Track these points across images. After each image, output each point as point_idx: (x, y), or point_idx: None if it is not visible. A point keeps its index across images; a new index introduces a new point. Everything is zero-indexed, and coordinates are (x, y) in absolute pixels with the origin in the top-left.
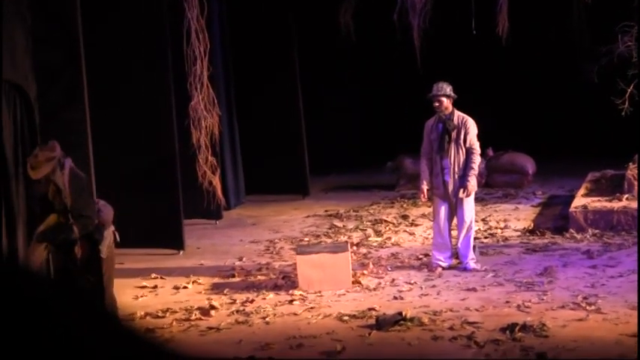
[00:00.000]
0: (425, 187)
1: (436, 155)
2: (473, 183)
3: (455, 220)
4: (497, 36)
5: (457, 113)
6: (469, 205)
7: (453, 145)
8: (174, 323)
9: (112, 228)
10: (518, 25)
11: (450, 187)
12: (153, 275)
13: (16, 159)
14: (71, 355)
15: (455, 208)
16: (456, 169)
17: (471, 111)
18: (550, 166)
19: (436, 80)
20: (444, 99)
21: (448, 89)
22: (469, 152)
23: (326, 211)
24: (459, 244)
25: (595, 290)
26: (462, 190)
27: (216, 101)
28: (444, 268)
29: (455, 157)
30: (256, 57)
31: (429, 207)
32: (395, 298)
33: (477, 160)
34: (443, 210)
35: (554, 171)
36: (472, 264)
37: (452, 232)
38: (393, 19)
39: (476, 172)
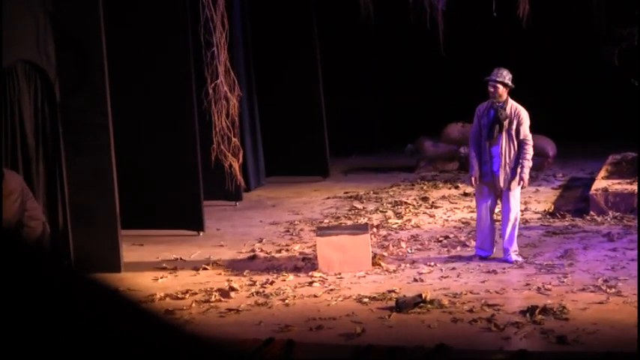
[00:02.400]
0: (476, 174)
1: (485, 142)
2: (528, 175)
3: (497, 210)
4: (518, 18)
5: (511, 103)
6: (516, 199)
7: (504, 135)
8: (193, 305)
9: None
10: (539, 7)
11: (500, 179)
12: (173, 256)
13: (37, 139)
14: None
15: (502, 200)
16: (507, 159)
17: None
18: (570, 149)
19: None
20: (500, 86)
21: (507, 77)
22: (522, 144)
23: (346, 192)
24: (505, 238)
25: (615, 273)
26: (517, 182)
27: (236, 82)
28: (483, 258)
29: (506, 148)
30: (277, 38)
31: (449, 189)
32: (415, 280)
33: (530, 151)
34: (487, 199)
35: (575, 153)
36: (514, 256)
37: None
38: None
39: (530, 163)
